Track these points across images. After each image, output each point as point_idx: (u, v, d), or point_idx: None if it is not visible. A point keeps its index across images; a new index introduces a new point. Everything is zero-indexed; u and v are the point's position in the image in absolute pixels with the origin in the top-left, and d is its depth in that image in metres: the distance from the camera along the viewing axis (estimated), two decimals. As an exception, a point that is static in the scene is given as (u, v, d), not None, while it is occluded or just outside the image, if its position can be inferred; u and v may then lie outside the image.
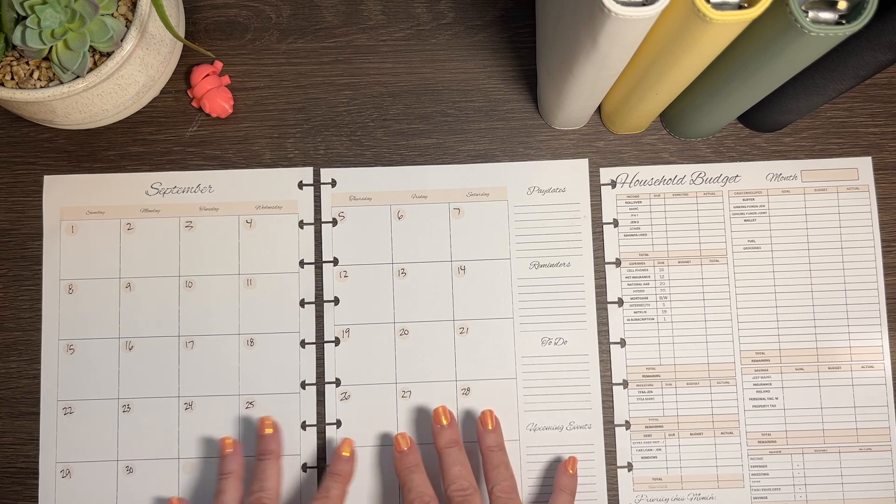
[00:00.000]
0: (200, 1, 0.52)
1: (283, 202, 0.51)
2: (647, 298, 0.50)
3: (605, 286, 0.50)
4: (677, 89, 0.42)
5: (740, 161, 0.51)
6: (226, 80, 0.51)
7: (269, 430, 0.47)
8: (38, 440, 0.49)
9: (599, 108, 0.51)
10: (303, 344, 0.49)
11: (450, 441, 0.45)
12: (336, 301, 0.50)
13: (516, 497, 0.43)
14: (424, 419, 0.49)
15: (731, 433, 0.49)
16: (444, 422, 0.46)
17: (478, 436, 0.46)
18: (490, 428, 0.46)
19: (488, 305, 0.50)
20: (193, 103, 0.51)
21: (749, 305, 0.50)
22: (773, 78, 0.38)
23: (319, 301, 0.50)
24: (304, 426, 0.49)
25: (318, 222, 0.50)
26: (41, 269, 0.50)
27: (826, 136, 0.51)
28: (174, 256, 0.50)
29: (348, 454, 0.47)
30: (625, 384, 0.49)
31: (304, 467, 0.48)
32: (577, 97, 0.43)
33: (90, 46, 0.43)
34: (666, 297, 0.50)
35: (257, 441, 0.47)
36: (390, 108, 0.51)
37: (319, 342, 0.49)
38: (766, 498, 0.48)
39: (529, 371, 0.49)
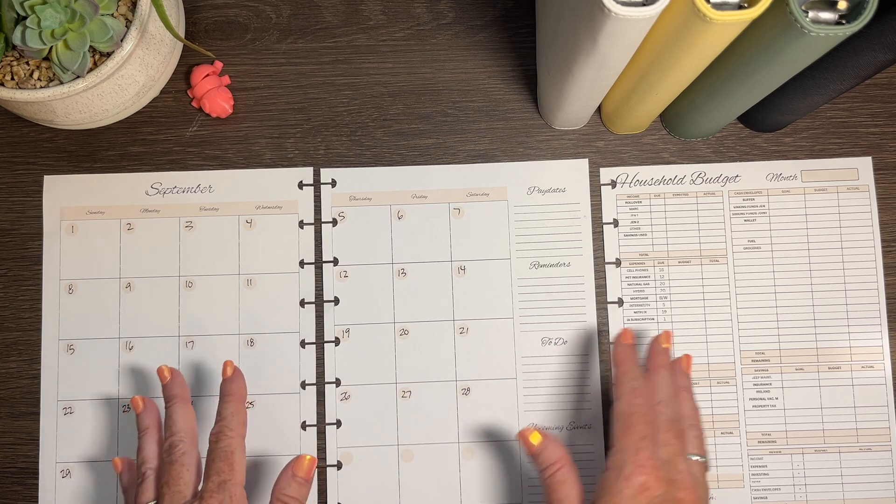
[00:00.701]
0: (200, 1, 0.52)
1: (284, 202, 0.51)
2: (647, 298, 0.50)
3: (605, 286, 0.50)
4: (677, 89, 0.42)
5: (740, 161, 0.51)
6: (226, 80, 0.51)
7: (168, 377, 0.45)
8: (38, 440, 0.49)
9: (599, 108, 0.51)
10: (303, 344, 0.49)
11: (666, 364, 0.45)
12: (336, 301, 0.50)
13: (705, 441, 0.43)
14: (424, 419, 0.49)
15: (731, 433, 0.49)
16: (666, 345, 0.47)
17: (676, 375, 0.46)
18: (687, 372, 0.46)
19: (488, 305, 0.50)
20: (193, 103, 0.51)
21: (749, 305, 0.50)
22: (773, 78, 0.38)
23: (319, 301, 0.50)
24: (304, 426, 0.49)
25: (318, 222, 0.50)
26: (41, 269, 0.50)
27: (826, 136, 0.51)
28: (174, 256, 0.50)
29: (231, 373, 0.45)
30: (625, 384, 0.49)
31: (305, 467, 0.48)
32: (577, 97, 0.43)
33: (90, 46, 0.43)
34: (666, 297, 0.50)
35: (163, 391, 0.45)
36: (390, 108, 0.51)
37: (319, 342, 0.49)
38: (766, 498, 0.48)
39: (529, 371, 0.49)
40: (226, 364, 0.45)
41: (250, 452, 0.48)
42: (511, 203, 0.50)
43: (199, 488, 0.41)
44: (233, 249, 0.50)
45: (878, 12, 0.33)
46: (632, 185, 0.51)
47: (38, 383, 0.49)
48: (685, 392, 0.45)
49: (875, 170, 0.50)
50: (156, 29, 0.45)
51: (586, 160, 0.51)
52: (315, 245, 0.50)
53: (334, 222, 0.50)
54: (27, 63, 0.44)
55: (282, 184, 0.51)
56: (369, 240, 0.50)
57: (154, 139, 0.51)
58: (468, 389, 0.49)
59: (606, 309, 0.50)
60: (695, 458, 0.41)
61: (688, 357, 0.47)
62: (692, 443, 0.42)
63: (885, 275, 0.50)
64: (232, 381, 0.45)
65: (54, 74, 0.44)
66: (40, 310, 0.50)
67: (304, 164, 0.51)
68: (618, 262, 0.50)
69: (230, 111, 0.51)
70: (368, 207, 0.50)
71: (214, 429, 0.42)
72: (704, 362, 0.49)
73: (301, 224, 0.50)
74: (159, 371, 0.46)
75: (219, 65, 0.51)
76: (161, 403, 0.46)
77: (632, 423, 0.40)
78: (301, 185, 0.51)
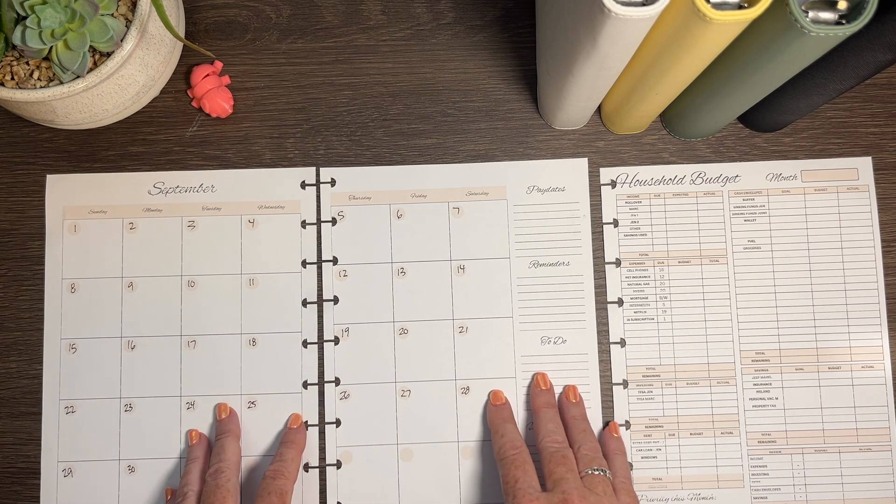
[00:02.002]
0: (200, 1, 0.52)
1: (286, 202, 0.51)
2: (647, 298, 0.50)
3: (604, 286, 0.50)
4: (677, 89, 0.42)
5: (740, 161, 0.51)
6: (226, 80, 0.51)
7: (224, 415, 0.48)
8: (39, 440, 0.49)
9: (599, 108, 0.51)
10: (305, 344, 0.49)
11: (548, 403, 0.48)
12: (335, 300, 0.50)
13: (600, 456, 0.45)
14: (424, 418, 0.49)
15: (731, 433, 0.49)
16: (544, 387, 0.48)
17: (561, 407, 0.48)
18: (574, 401, 0.48)
19: (488, 305, 0.50)
20: (193, 103, 0.51)
21: (749, 305, 0.50)
22: (773, 78, 0.38)
23: (320, 300, 0.50)
24: (305, 426, 0.49)
25: (318, 222, 0.50)
26: (41, 270, 0.50)
27: (826, 136, 0.51)
28: (176, 256, 0.50)
29: (297, 426, 0.49)
30: (625, 384, 0.49)
31: (306, 467, 0.49)
32: (577, 97, 0.43)
33: (90, 46, 0.43)
34: (666, 297, 0.50)
35: (216, 425, 0.49)
36: (390, 108, 0.51)
37: (320, 342, 0.50)
38: (766, 498, 0.48)
39: (529, 370, 0.49)
40: (295, 416, 0.49)
41: (251, 452, 0.49)
42: (510, 202, 0.50)
43: None
44: (235, 249, 0.50)
45: (878, 12, 0.33)
46: (632, 185, 0.51)
47: (39, 383, 0.49)
48: (573, 421, 0.47)
49: (875, 170, 0.50)
50: (156, 29, 0.45)
51: (585, 159, 0.51)
52: (316, 245, 0.50)
53: (334, 222, 0.50)
54: (27, 63, 0.44)
55: (284, 184, 0.51)
56: (369, 239, 0.50)
57: (154, 139, 0.51)
58: (467, 389, 0.49)
59: (606, 309, 0.50)
60: (591, 472, 0.43)
61: (572, 388, 0.49)
62: (584, 461, 0.44)
63: (885, 275, 0.50)
64: (297, 433, 0.48)
65: (54, 74, 0.44)
66: (40, 310, 0.50)
67: (304, 164, 0.51)
68: (618, 262, 0.50)
69: (230, 111, 0.51)
70: (368, 207, 0.50)
71: (274, 466, 0.46)
72: (704, 362, 0.49)
73: (303, 224, 0.50)
74: (220, 407, 0.49)
75: (219, 65, 0.51)
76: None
77: (505, 473, 0.44)
78: (303, 185, 0.51)
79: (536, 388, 0.49)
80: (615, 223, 0.50)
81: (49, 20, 0.41)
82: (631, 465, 0.48)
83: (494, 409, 0.48)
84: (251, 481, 0.48)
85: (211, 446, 0.48)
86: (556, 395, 0.49)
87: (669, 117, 0.49)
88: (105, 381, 0.49)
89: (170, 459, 0.49)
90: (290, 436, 0.48)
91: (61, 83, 0.43)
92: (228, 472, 0.45)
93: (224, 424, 0.48)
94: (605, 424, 0.49)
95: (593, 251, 0.50)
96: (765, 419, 0.49)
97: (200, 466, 0.47)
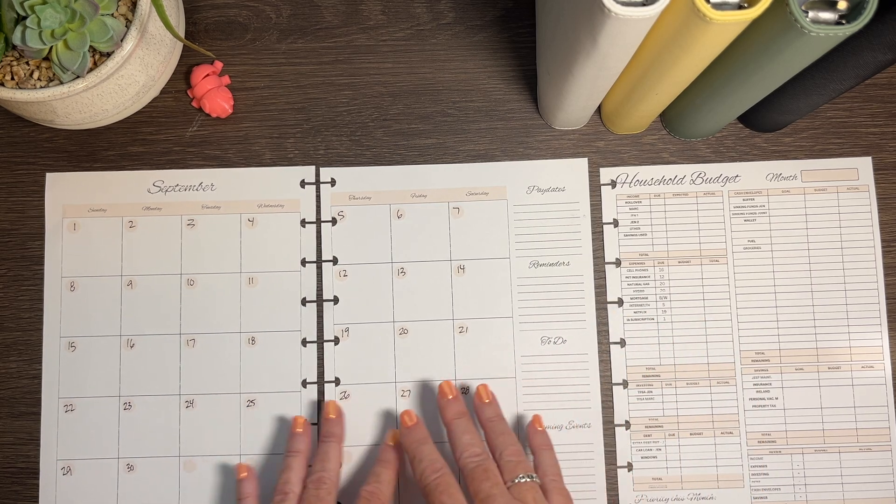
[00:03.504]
0: (200, 1, 0.52)
1: (285, 201, 0.51)
2: (647, 298, 0.50)
3: (604, 286, 0.50)
4: (677, 89, 0.42)
5: (740, 161, 0.51)
6: (226, 80, 0.51)
7: (332, 416, 0.47)
8: (38, 440, 0.49)
9: (599, 108, 0.51)
10: (304, 342, 0.49)
11: (457, 413, 0.46)
12: (335, 300, 0.50)
13: (524, 460, 0.43)
14: (424, 418, 0.49)
15: (731, 433, 0.49)
16: (450, 395, 0.47)
17: (476, 411, 0.47)
18: (487, 401, 0.47)
19: (488, 304, 0.50)
20: (193, 103, 0.51)
21: (749, 305, 0.49)
22: (773, 78, 0.38)
23: (320, 300, 0.50)
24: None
25: (318, 221, 0.51)
26: (41, 269, 0.50)
27: (826, 136, 0.51)
28: (176, 254, 0.50)
29: (335, 416, 0.47)
30: (625, 384, 0.49)
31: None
32: (577, 97, 0.43)
33: (90, 46, 0.43)
34: (666, 297, 0.50)
35: (322, 424, 0.48)
36: (390, 108, 0.51)
37: (320, 341, 0.50)
38: (766, 498, 0.48)
39: (529, 370, 0.49)
40: (329, 404, 0.48)
41: (249, 451, 0.48)
42: (510, 202, 0.50)
43: None
44: (234, 248, 0.50)
45: (878, 12, 0.33)
46: (632, 185, 0.51)
47: (38, 383, 0.49)
48: (490, 423, 0.45)
49: (875, 170, 0.50)
50: (156, 29, 0.45)
51: (585, 159, 0.51)
52: (316, 244, 0.50)
53: (334, 221, 0.50)
54: (27, 63, 0.44)
55: (283, 182, 0.51)
56: (369, 239, 0.50)
57: (154, 139, 0.51)
58: (467, 389, 0.49)
59: (606, 309, 0.50)
60: (518, 480, 0.42)
61: (483, 387, 0.47)
62: (507, 469, 0.42)
63: (885, 275, 0.50)
64: (335, 425, 0.47)
65: (54, 74, 0.44)
66: (40, 310, 0.50)
67: (304, 164, 0.51)
68: (618, 262, 0.50)
69: (230, 111, 0.51)
70: (368, 207, 0.50)
71: (370, 487, 0.44)
72: (704, 362, 0.49)
73: (303, 223, 0.50)
74: (328, 405, 0.48)
75: (219, 65, 0.51)
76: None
77: (430, 501, 0.42)
78: (303, 184, 0.51)
79: (443, 398, 0.47)
80: (615, 223, 0.50)
81: (49, 20, 0.41)
82: (630, 466, 0.48)
83: (407, 432, 0.46)
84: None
85: (311, 438, 0.48)
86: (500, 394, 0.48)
87: (669, 117, 0.49)
88: (104, 380, 0.49)
89: (169, 458, 0.49)
90: (386, 454, 0.47)
91: (61, 83, 0.43)
92: (330, 483, 0.44)
93: (331, 426, 0.47)
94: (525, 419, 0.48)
95: (593, 251, 0.50)
96: (765, 419, 0.49)
97: (303, 462, 0.46)
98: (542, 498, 0.42)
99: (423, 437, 0.46)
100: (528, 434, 0.47)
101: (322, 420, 0.48)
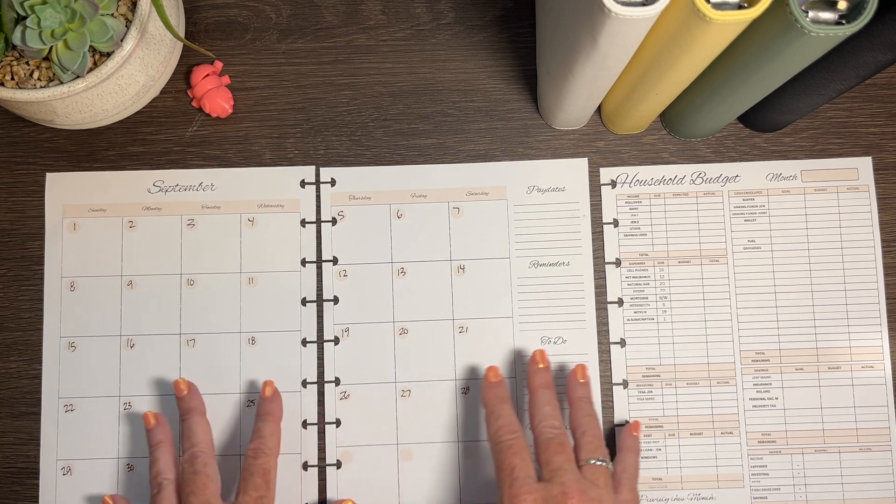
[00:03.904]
0: (200, 1, 0.52)
1: (285, 201, 0.51)
2: (647, 298, 0.50)
3: (604, 286, 0.50)
4: (677, 89, 0.42)
5: (740, 161, 0.51)
6: (226, 80, 0.51)
7: (185, 391, 0.47)
8: (38, 440, 0.49)
9: (599, 108, 0.51)
10: (304, 342, 0.49)
11: (544, 382, 0.45)
12: (335, 300, 0.50)
13: (604, 445, 0.43)
14: (424, 418, 0.49)
15: (731, 433, 0.49)
16: (541, 364, 0.46)
17: (568, 387, 0.46)
18: (582, 381, 0.46)
19: (488, 304, 0.50)
20: (193, 103, 0.51)
21: (749, 305, 0.49)
22: (773, 78, 0.38)
23: (320, 300, 0.50)
24: (304, 425, 0.49)
25: (318, 221, 0.51)
26: (41, 269, 0.50)
27: (826, 136, 0.51)
28: (176, 254, 0.50)
29: (270, 394, 0.47)
30: (625, 384, 0.49)
31: (305, 466, 0.49)
32: (577, 97, 0.43)
33: (90, 46, 0.43)
34: (666, 297, 0.50)
35: (178, 404, 0.47)
36: (390, 108, 0.51)
37: (320, 341, 0.50)
38: (766, 498, 0.48)
39: (529, 371, 0.49)
40: (266, 384, 0.48)
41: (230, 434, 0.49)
42: (510, 202, 0.50)
43: (235, 501, 0.43)
44: (234, 247, 0.50)
45: (878, 12, 0.33)
46: (632, 185, 0.51)
47: (38, 383, 0.49)
48: (579, 402, 0.45)
49: (875, 170, 0.50)
50: (156, 29, 0.45)
51: (585, 159, 0.51)
52: (316, 244, 0.50)
53: (334, 221, 0.50)
54: (27, 63, 0.44)
55: (283, 182, 0.51)
56: (369, 239, 0.50)
57: (154, 139, 0.51)
58: (467, 389, 0.49)
59: (606, 309, 0.50)
60: (593, 462, 0.41)
61: (581, 367, 0.47)
62: (586, 449, 0.42)
63: (885, 275, 0.50)
64: (272, 402, 0.47)
65: (54, 74, 0.44)
66: (40, 310, 0.50)
67: (304, 164, 0.51)
68: (618, 262, 0.50)
69: (230, 111, 0.51)
70: (368, 207, 0.50)
71: (253, 445, 0.44)
72: (704, 362, 0.49)
73: (303, 223, 0.50)
74: (176, 384, 0.47)
75: (219, 65, 0.51)
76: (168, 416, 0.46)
77: (500, 460, 0.41)
78: (303, 184, 0.51)
79: (534, 365, 0.46)
80: (615, 223, 0.50)
81: (49, 20, 0.41)
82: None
83: (489, 387, 0.46)
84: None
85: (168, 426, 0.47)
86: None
87: (669, 117, 0.49)
88: (104, 380, 0.49)
89: (170, 459, 0.49)
90: (264, 407, 0.46)
91: (61, 83, 0.43)
92: (204, 455, 0.43)
93: (186, 402, 0.47)
94: (619, 424, 0.48)
95: (593, 251, 0.50)
96: (765, 419, 0.49)
97: (169, 451, 0.45)
98: (612, 486, 0.41)
99: (505, 396, 0.45)
100: (622, 434, 0.47)
101: (177, 399, 0.47)
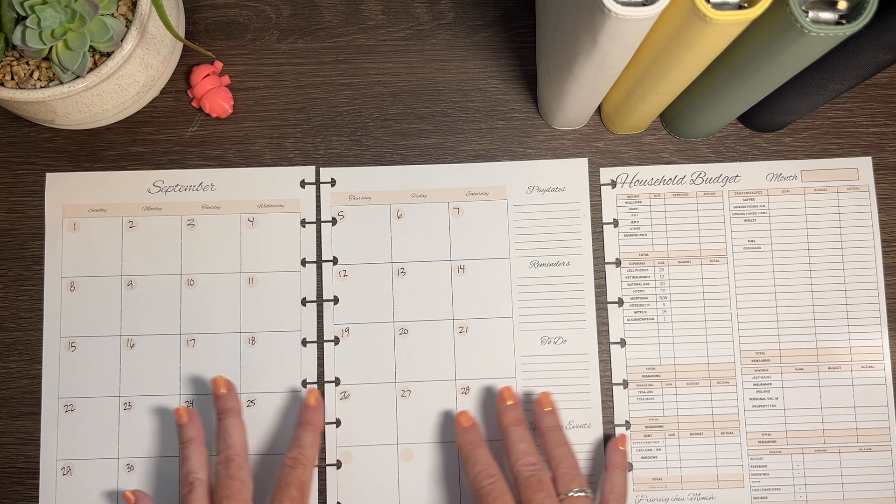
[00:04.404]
0: (200, 1, 0.52)
1: (285, 201, 0.51)
2: (647, 298, 0.50)
3: (605, 286, 0.50)
4: (677, 89, 0.42)
5: (740, 161, 0.51)
6: (226, 80, 0.51)
7: (223, 390, 0.47)
8: (38, 440, 0.49)
9: (599, 108, 0.51)
10: (304, 342, 0.49)
11: (515, 419, 0.45)
12: (336, 300, 0.50)
13: (580, 474, 0.43)
14: (424, 418, 0.49)
15: (731, 433, 0.49)
16: (510, 402, 0.46)
17: (536, 418, 0.46)
18: (548, 410, 0.46)
19: (488, 305, 0.50)
20: (193, 103, 0.51)
21: (749, 305, 0.49)
22: (773, 78, 0.38)
23: (320, 300, 0.50)
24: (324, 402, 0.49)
25: (318, 221, 0.51)
26: (41, 269, 0.50)
27: (826, 136, 0.51)
28: (176, 254, 0.50)
29: (315, 403, 0.47)
30: (625, 384, 0.49)
31: (304, 466, 0.49)
32: (577, 97, 0.43)
33: (90, 46, 0.43)
34: (666, 297, 0.50)
35: (214, 402, 0.47)
36: (390, 108, 0.51)
37: (320, 341, 0.50)
38: (766, 498, 0.48)
39: (529, 370, 0.49)
40: (311, 391, 0.47)
41: (252, 451, 0.48)
42: (510, 202, 0.50)
43: None
44: (234, 248, 0.50)
45: (878, 12, 0.33)
46: (632, 185, 0.51)
47: (38, 383, 0.49)
48: (549, 432, 0.45)
49: (875, 170, 0.50)
50: (156, 29, 0.45)
51: (585, 159, 0.51)
52: (316, 244, 0.50)
53: (334, 221, 0.50)
54: (27, 63, 0.44)
55: (283, 182, 0.51)
56: (369, 239, 0.50)
57: (154, 139, 0.51)
58: (467, 389, 0.49)
59: (606, 309, 0.50)
60: (572, 494, 0.42)
61: (545, 395, 0.47)
62: (563, 481, 0.42)
63: (885, 275, 0.50)
64: (315, 411, 0.46)
65: (54, 74, 0.44)
66: (40, 310, 0.50)
67: (304, 164, 0.51)
68: (618, 262, 0.50)
69: (230, 111, 0.51)
70: (368, 207, 0.50)
71: (292, 454, 0.44)
72: (704, 362, 0.49)
73: (303, 223, 0.50)
74: (215, 381, 0.47)
75: (219, 65, 0.51)
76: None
77: None
78: (303, 184, 0.51)
79: (502, 403, 0.46)
80: (615, 223, 0.50)
81: (49, 20, 0.41)
82: (630, 466, 0.48)
83: (463, 433, 0.46)
84: (254, 478, 0.48)
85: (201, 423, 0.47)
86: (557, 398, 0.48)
87: (669, 117, 0.49)
88: (104, 380, 0.49)
89: (169, 458, 0.49)
90: (307, 415, 0.46)
91: (61, 83, 0.43)
92: (239, 459, 0.43)
93: (224, 401, 0.46)
94: (606, 437, 0.48)
95: (593, 251, 0.50)
96: (765, 419, 0.49)
97: (200, 450, 0.45)
98: None
99: (479, 440, 0.45)
100: (608, 450, 0.47)
101: (214, 397, 0.47)
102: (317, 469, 0.48)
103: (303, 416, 0.46)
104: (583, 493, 0.42)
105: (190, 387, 0.49)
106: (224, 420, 0.46)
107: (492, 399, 0.49)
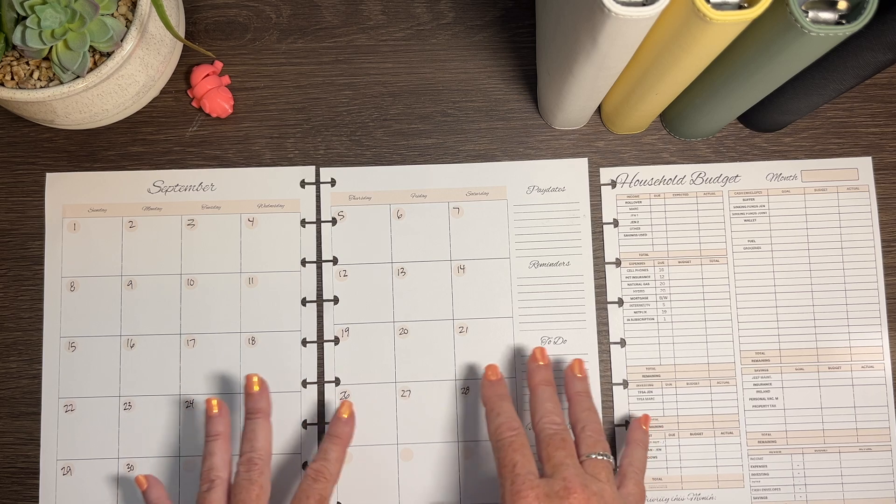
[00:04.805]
0: (200, 1, 0.52)
1: (285, 201, 0.51)
2: (647, 298, 0.50)
3: (605, 286, 0.50)
4: (677, 89, 0.42)
5: (740, 161, 0.51)
6: (226, 80, 0.51)
7: (256, 388, 0.46)
8: (38, 440, 0.49)
9: (599, 108, 0.51)
10: (304, 342, 0.49)
11: (545, 379, 0.45)
12: (336, 300, 0.50)
13: (604, 440, 0.43)
14: (424, 418, 0.49)
15: (731, 433, 0.49)
16: (542, 362, 0.46)
17: (566, 382, 0.46)
18: (580, 376, 0.46)
19: (488, 305, 0.50)
20: (193, 103, 0.51)
21: (749, 305, 0.50)
22: (773, 78, 0.38)
23: (320, 300, 0.50)
24: (304, 425, 0.49)
25: (318, 221, 0.51)
26: (41, 269, 0.50)
27: (826, 136, 0.51)
28: (176, 254, 0.50)
29: (347, 416, 0.46)
30: (625, 384, 0.49)
31: (305, 465, 0.49)
32: (577, 97, 0.43)
33: (90, 46, 0.43)
34: (666, 297, 0.50)
35: (245, 400, 0.46)
36: (390, 108, 0.51)
37: (320, 341, 0.50)
38: (766, 498, 0.48)
39: (529, 371, 0.49)
40: (344, 404, 0.47)
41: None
42: (510, 202, 0.50)
43: None
44: (234, 248, 0.50)
45: (878, 12, 0.33)
46: (632, 185, 0.51)
47: (39, 383, 0.49)
48: (578, 397, 0.45)
49: (875, 170, 0.50)
50: (156, 29, 0.45)
51: (585, 159, 0.51)
52: (316, 244, 0.50)
53: (334, 221, 0.50)
54: (27, 63, 0.44)
55: (283, 182, 0.51)
56: (369, 239, 0.50)
57: (154, 139, 0.51)
58: (467, 389, 0.49)
59: (606, 309, 0.50)
60: (594, 456, 0.41)
61: (577, 361, 0.47)
62: (586, 444, 0.42)
63: (885, 275, 0.50)
64: (346, 425, 0.46)
65: (54, 74, 0.44)
66: (40, 310, 0.50)
67: (304, 164, 0.51)
68: (618, 262, 0.50)
69: (230, 111, 0.51)
70: (368, 207, 0.50)
71: (316, 465, 0.43)
72: (704, 362, 0.49)
73: (303, 223, 0.50)
74: (248, 378, 0.46)
75: (219, 65, 0.51)
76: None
77: (501, 457, 0.41)
78: (303, 184, 0.51)
79: (534, 362, 0.46)
80: (615, 223, 0.50)
81: (49, 20, 0.41)
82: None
83: (489, 385, 0.46)
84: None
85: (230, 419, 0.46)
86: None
87: (669, 117, 0.49)
88: (104, 380, 0.49)
89: (169, 458, 0.49)
90: (337, 428, 0.45)
91: (61, 83, 0.43)
92: (262, 463, 0.42)
93: (255, 400, 0.45)
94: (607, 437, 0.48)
95: (593, 251, 0.50)
96: (765, 419, 0.49)
97: (226, 447, 0.44)
98: (613, 480, 0.41)
99: (505, 393, 0.45)
100: (631, 427, 0.47)
101: (245, 395, 0.46)
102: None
103: (332, 429, 0.46)
104: (605, 458, 0.41)
105: (190, 387, 0.49)
106: (252, 420, 0.45)
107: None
